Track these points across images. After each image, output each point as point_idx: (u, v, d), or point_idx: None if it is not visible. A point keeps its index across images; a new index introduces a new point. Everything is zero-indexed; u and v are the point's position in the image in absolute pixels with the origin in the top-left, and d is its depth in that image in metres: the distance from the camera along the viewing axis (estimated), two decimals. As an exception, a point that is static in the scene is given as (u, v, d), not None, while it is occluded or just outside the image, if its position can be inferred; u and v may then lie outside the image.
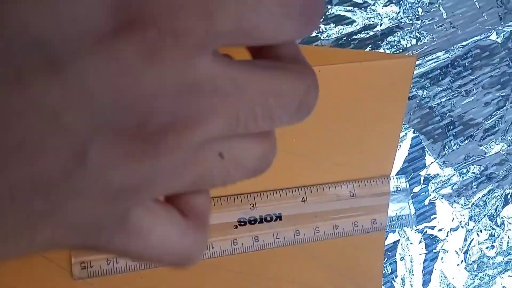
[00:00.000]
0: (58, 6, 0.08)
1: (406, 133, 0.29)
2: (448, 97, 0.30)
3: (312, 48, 0.28)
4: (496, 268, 0.29)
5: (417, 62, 0.30)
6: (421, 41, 0.31)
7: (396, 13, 0.31)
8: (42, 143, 0.08)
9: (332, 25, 0.30)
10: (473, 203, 0.29)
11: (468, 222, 0.29)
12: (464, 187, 0.29)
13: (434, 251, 0.28)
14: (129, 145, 0.09)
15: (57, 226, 0.09)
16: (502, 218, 0.29)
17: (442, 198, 0.29)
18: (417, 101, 0.30)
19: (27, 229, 0.09)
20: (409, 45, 0.30)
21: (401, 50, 0.30)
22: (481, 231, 0.29)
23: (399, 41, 0.30)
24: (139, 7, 0.08)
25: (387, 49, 0.30)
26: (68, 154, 0.08)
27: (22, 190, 0.08)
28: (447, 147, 0.29)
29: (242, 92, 0.10)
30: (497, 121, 0.30)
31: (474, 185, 0.29)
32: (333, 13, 0.30)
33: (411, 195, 0.28)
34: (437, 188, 0.29)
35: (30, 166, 0.08)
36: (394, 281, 0.27)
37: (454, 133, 0.30)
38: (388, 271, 0.27)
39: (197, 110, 0.09)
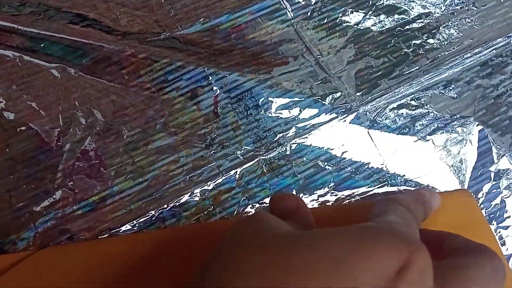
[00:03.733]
0: None
1: (471, 128, 0.28)
2: (513, 86, 0.29)
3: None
4: None
5: (477, 50, 0.29)
6: (478, 28, 0.29)
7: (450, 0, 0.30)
8: None
9: (383, 16, 0.29)
10: (549, 199, 0.27)
11: (545, 220, 0.27)
12: (537, 182, 0.28)
13: (507, 251, 0.27)
14: None
15: None
16: None
17: (515, 195, 0.27)
18: (481, 91, 0.28)
19: None
20: (464, 33, 0.29)
21: (457, 39, 0.29)
22: (559, 229, 0.27)
23: (454, 29, 0.29)
24: None
25: (443, 38, 0.29)
26: None
27: None
28: (517, 140, 0.28)
29: None
30: None
31: (549, 179, 0.28)
32: (383, 3, 0.29)
33: (481, 193, 0.27)
34: (509, 184, 0.27)
35: None
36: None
37: (523, 124, 0.28)
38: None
39: None
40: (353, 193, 0.26)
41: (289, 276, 0.14)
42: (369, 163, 0.27)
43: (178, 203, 0.25)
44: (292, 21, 0.28)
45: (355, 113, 0.27)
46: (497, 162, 0.28)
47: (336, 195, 0.26)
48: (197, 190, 0.25)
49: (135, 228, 0.24)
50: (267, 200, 0.26)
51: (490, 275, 0.17)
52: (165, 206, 0.25)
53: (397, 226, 0.18)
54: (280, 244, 0.15)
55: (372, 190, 0.26)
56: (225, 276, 0.15)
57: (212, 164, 0.26)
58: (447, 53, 0.29)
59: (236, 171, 0.26)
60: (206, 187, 0.25)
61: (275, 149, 0.26)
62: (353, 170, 0.27)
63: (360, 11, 0.29)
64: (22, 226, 0.23)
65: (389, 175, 0.27)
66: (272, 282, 0.14)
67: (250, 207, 0.25)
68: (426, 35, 0.29)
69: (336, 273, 0.14)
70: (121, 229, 0.24)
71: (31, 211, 0.24)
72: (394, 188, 0.27)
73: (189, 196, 0.25)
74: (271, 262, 0.14)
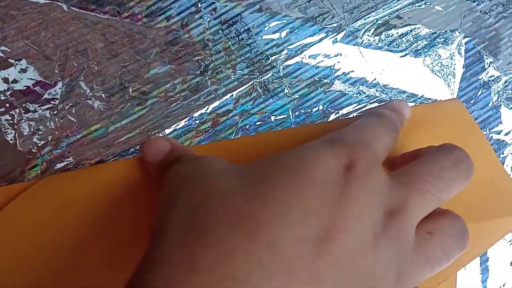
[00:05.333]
0: None
1: (459, 40, 0.29)
2: (498, -1, 0.30)
3: None
4: None
5: (461, -34, 0.30)
6: None
7: None
8: None
9: None
10: (539, 105, 0.29)
11: (535, 124, 0.28)
12: (526, 89, 0.29)
13: (502, 155, 0.28)
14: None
15: None
16: None
17: (505, 101, 0.28)
18: (467, 5, 0.29)
19: None
20: None
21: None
22: (550, 133, 0.28)
23: None
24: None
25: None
26: None
27: None
28: (504, 48, 0.29)
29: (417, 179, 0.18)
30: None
31: (537, 86, 0.29)
32: None
33: (472, 101, 0.28)
34: (499, 92, 0.28)
35: None
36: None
37: (509, 34, 0.29)
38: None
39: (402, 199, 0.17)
40: (348, 109, 0.27)
41: (261, 188, 0.15)
42: (362, 78, 0.28)
43: (178, 127, 0.26)
44: None
45: (344, 31, 0.28)
46: (485, 72, 0.29)
47: (331, 112, 0.27)
48: (196, 114, 0.26)
49: (139, 152, 0.25)
50: (263, 121, 0.27)
51: (449, 168, 0.18)
52: (166, 131, 0.26)
53: (339, 134, 0.18)
54: (237, 169, 0.17)
55: (366, 105, 0.27)
56: (194, 200, 0.15)
57: (208, 89, 0.26)
58: (431, -31, 0.29)
59: (232, 95, 0.27)
60: (204, 111, 0.26)
61: (268, 71, 0.27)
62: (347, 86, 0.28)
63: None
64: (28, 157, 0.24)
65: (382, 89, 0.28)
66: (248, 196, 0.14)
67: (248, 127, 0.26)
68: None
69: (297, 177, 0.15)
70: (126, 154, 0.25)
71: (36, 142, 0.25)
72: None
73: (188, 120, 0.26)
74: (240, 182, 0.15)
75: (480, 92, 0.29)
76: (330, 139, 0.17)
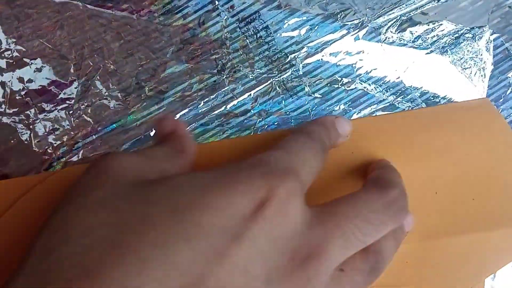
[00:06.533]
0: None
1: (487, 36, 0.27)
2: (528, -6, 0.29)
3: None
4: None
5: (488, -40, 0.29)
6: None
7: None
8: None
9: None
10: None
11: None
12: (559, 88, 0.27)
13: (534, 158, 0.26)
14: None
15: None
16: None
17: (536, 101, 0.27)
18: (495, 0, 0.28)
19: None
20: None
21: None
22: None
23: None
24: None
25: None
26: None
27: None
28: (535, 45, 0.28)
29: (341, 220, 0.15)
30: None
31: None
32: None
33: (501, 100, 0.27)
34: (529, 90, 0.27)
35: None
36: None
37: (540, 30, 0.28)
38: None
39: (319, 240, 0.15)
40: (370, 108, 0.27)
41: (121, 236, 0.13)
42: (384, 77, 0.27)
43: (195, 127, 0.25)
44: None
45: (366, 28, 0.27)
46: (516, 69, 0.28)
47: (353, 112, 0.26)
48: (213, 114, 0.25)
49: (154, 153, 0.25)
50: (282, 121, 0.26)
51: (380, 211, 0.16)
52: (183, 131, 0.25)
53: (266, 157, 0.16)
54: (117, 197, 0.14)
55: (389, 104, 0.27)
56: (52, 241, 0.13)
57: (226, 88, 0.26)
58: (457, -37, 0.28)
59: (250, 94, 0.26)
60: (221, 111, 0.26)
61: (287, 70, 0.26)
62: (368, 85, 0.27)
63: None
64: (44, 158, 0.24)
65: (406, 88, 0.27)
66: (102, 244, 0.13)
67: (266, 127, 0.26)
68: None
69: (177, 221, 0.13)
70: (141, 155, 0.24)
71: (51, 143, 0.24)
72: (410, 103, 0.27)
73: (205, 120, 0.25)
74: (104, 220, 0.13)
75: (509, 90, 0.27)
76: (252, 164, 0.15)
